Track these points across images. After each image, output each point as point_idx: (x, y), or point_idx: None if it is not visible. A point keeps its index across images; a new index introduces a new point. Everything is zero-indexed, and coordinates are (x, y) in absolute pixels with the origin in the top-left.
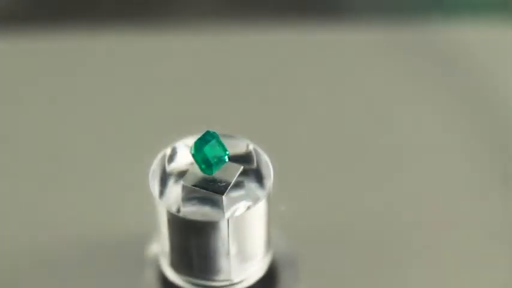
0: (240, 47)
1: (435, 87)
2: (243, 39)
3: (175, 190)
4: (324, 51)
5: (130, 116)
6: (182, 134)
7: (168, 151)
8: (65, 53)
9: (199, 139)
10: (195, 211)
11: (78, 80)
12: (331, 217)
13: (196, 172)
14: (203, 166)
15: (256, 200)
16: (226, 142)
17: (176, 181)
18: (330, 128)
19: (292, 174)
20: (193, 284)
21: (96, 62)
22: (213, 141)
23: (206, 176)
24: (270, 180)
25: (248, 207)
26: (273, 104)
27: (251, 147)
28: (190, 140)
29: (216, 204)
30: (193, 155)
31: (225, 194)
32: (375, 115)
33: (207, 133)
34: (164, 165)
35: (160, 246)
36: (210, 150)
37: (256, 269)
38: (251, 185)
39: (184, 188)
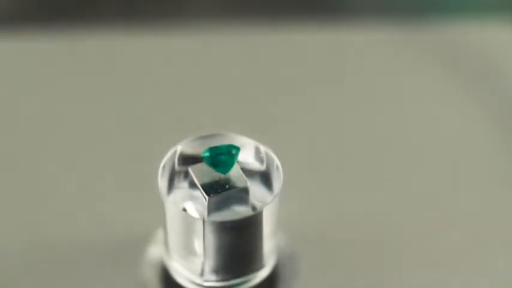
0: (240, 47)
1: (435, 87)
2: (243, 39)
3: (182, 189)
4: (324, 51)
5: (130, 117)
6: (182, 135)
7: (178, 149)
8: (65, 53)
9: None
10: (226, 212)
11: (78, 80)
12: (333, 216)
13: (205, 181)
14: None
15: (265, 202)
16: (236, 143)
17: (184, 180)
18: (331, 128)
19: (294, 174)
20: (199, 284)
21: (97, 62)
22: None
23: (216, 180)
24: (279, 182)
25: (256, 208)
26: (273, 104)
27: (262, 149)
28: (195, 140)
29: (242, 198)
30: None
31: (248, 184)
32: (376, 115)
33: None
34: (174, 163)
35: (166, 246)
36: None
37: (261, 271)
38: (260, 187)
39: (210, 199)
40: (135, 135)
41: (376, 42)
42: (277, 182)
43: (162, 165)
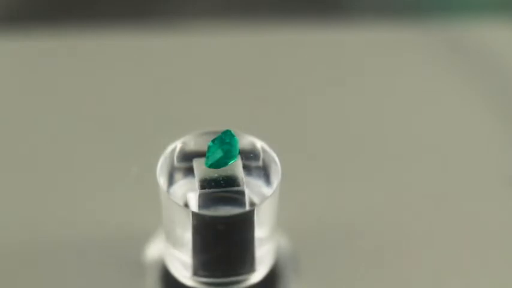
0: (239, 47)
1: (435, 87)
2: (243, 39)
3: (182, 186)
4: (324, 51)
5: (129, 117)
6: (181, 134)
7: (177, 146)
8: (65, 53)
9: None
10: (219, 210)
11: (78, 80)
12: (334, 217)
13: (204, 176)
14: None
15: (263, 197)
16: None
17: (183, 177)
18: (331, 127)
19: (294, 174)
20: (204, 283)
21: (96, 61)
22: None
23: (214, 177)
24: (277, 177)
25: (254, 204)
26: (273, 103)
27: (259, 144)
28: (194, 138)
29: (235, 199)
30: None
31: (244, 185)
32: (376, 115)
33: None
34: (173, 160)
35: (167, 244)
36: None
37: (262, 267)
38: (258, 183)
39: (201, 195)
40: (135, 134)
41: (376, 42)
42: (276, 178)
43: (160, 162)
